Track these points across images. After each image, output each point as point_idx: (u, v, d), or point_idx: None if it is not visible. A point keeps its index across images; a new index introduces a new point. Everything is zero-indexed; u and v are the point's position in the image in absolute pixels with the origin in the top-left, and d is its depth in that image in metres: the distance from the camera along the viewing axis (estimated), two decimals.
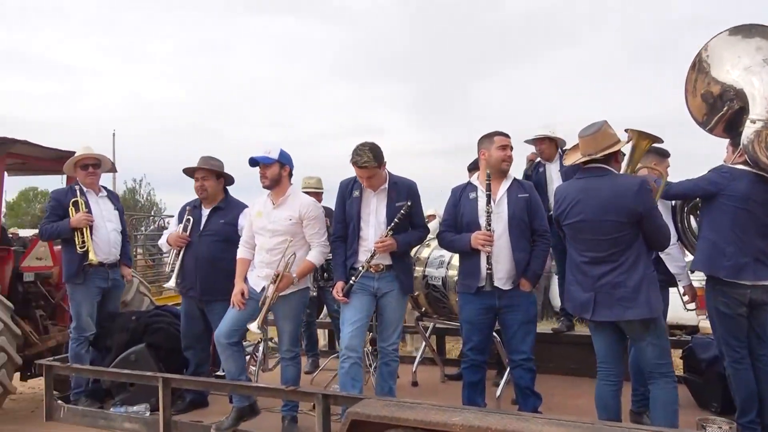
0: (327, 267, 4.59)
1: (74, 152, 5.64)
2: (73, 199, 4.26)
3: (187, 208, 4.21)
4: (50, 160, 5.72)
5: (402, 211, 3.40)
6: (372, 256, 3.35)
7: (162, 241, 4.46)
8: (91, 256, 4.12)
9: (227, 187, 4.30)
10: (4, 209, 6.88)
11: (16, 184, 41.14)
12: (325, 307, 5.65)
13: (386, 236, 3.35)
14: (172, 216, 13.29)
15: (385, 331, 3.48)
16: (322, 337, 6.40)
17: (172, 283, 4.15)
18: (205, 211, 4.17)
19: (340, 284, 3.39)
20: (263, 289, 3.47)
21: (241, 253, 3.69)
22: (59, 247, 5.88)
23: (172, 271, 4.14)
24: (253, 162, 3.55)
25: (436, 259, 4.28)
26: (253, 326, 3.40)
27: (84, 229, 4.17)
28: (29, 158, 5.55)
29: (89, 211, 4.30)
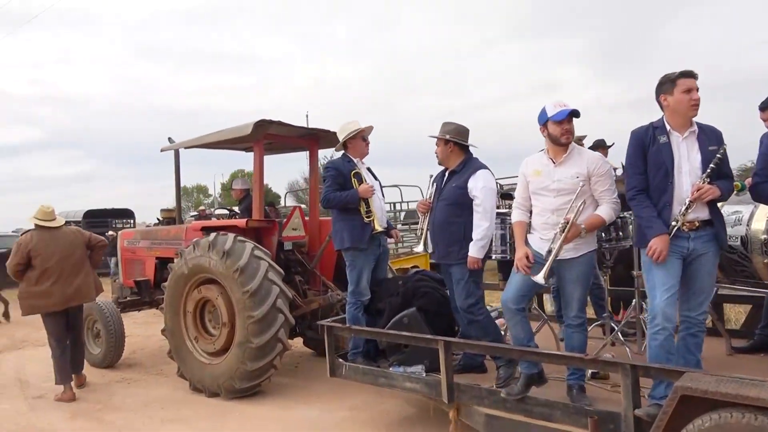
0: None
1: (318, 128, 6.01)
2: (353, 170, 4.47)
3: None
4: (297, 137, 6.18)
5: (718, 155, 2.95)
6: (687, 208, 2.95)
7: None
8: (377, 225, 4.33)
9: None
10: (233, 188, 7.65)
11: (229, 167, 47.00)
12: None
13: (703, 183, 2.94)
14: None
15: (695, 299, 3.07)
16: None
17: (420, 247, 4.20)
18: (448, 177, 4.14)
19: (659, 240, 2.97)
20: (549, 251, 3.28)
21: (517, 216, 3.54)
22: (307, 218, 6.40)
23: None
24: (571, 114, 3.29)
25: (729, 216, 3.72)
26: (539, 278, 3.22)
27: (368, 200, 4.37)
28: (279, 138, 6.02)
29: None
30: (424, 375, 3.94)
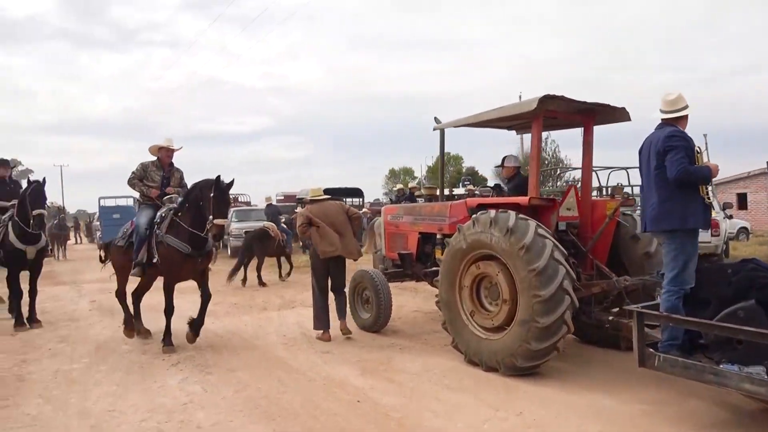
0: None
1: (598, 103, 5.65)
2: (695, 146, 4.11)
3: None
4: (573, 113, 5.91)
5: None
6: None
7: None
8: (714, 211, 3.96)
9: None
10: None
11: (432, 151, 48.46)
12: None
13: None
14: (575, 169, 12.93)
15: None
16: None
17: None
18: None
19: None
20: None
21: None
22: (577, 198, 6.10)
23: None
24: None
25: None
26: None
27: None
28: (556, 114, 5.80)
29: None
30: (766, 377, 3.45)
